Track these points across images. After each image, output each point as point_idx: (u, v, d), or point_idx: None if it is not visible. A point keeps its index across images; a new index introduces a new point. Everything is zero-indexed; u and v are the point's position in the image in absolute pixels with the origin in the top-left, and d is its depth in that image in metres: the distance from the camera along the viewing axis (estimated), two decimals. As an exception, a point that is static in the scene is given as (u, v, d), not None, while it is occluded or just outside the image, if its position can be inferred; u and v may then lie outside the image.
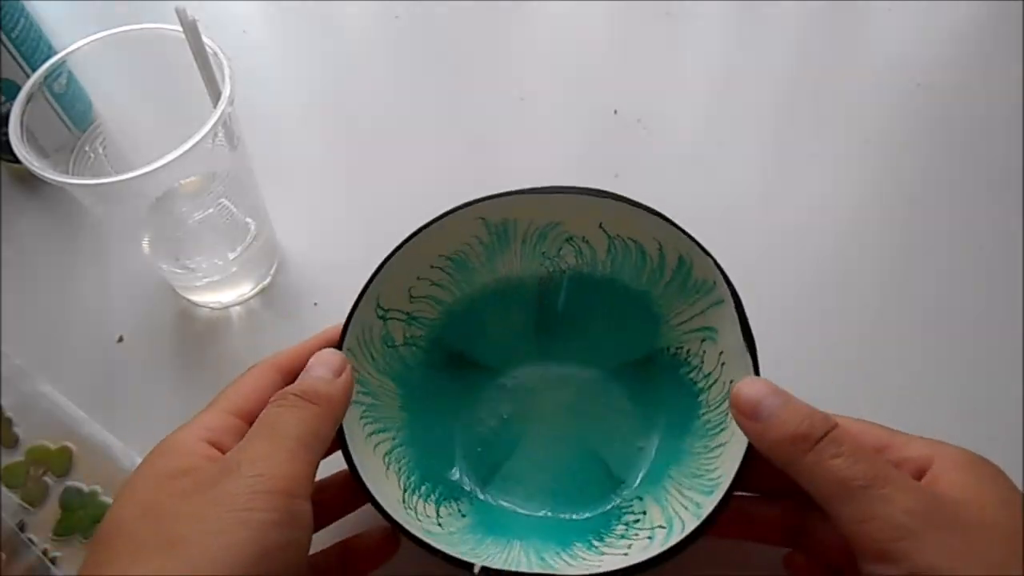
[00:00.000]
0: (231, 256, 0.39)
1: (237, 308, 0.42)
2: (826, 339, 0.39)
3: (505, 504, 0.33)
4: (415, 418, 0.34)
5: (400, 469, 0.32)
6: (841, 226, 0.43)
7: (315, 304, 0.42)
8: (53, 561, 0.34)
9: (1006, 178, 0.44)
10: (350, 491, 0.29)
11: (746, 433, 0.26)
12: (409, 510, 0.30)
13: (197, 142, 0.31)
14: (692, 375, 0.33)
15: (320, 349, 0.29)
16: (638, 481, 0.33)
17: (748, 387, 0.26)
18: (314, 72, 0.53)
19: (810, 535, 0.29)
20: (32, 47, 0.42)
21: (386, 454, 0.32)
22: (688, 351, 0.33)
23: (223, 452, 0.25)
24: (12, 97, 0.34)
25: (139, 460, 0.36)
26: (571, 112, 0.50)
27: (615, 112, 0.49)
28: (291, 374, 0.29)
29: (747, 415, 0.26)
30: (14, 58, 0.41)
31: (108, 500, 0.36)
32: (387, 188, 0.46)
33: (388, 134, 0.49)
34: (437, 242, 0.34)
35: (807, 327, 0.40)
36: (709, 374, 0.32)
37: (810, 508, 0.27)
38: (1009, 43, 0.51)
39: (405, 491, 0.31)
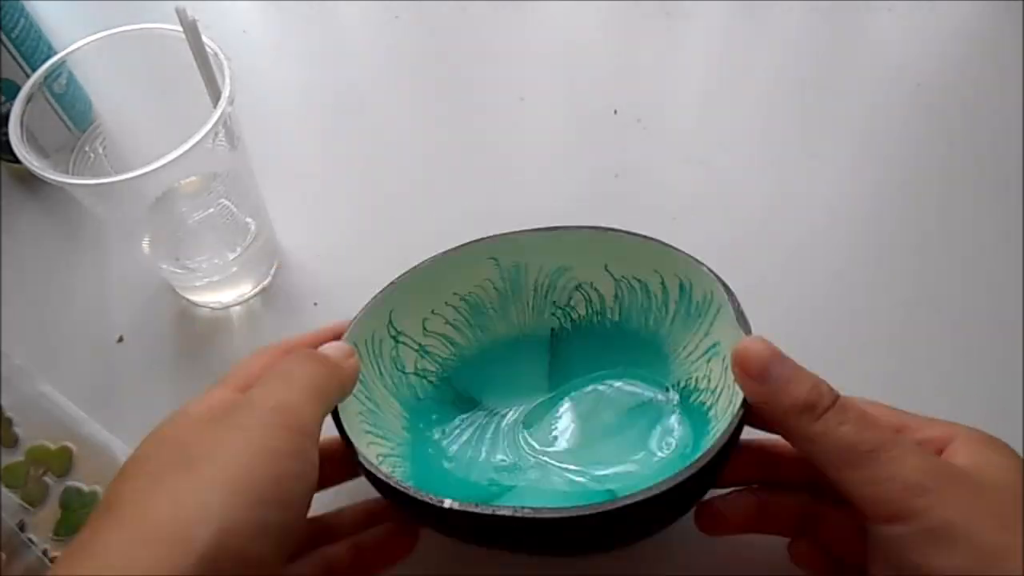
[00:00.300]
0: (231, 256, 0.39)
1: (237, 308, 0.42)
2: (824, 336, 0.39)
3: None
4: (418, 441, 0.34)
5: (392, 472, 0.31)
6: (841, 226, 0.43)
7: (315, 304, 0.42)
8: (53, 561, 0.34)
9: (1006, 178, 0.44)
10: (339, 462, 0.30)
11: (750, 395, 0.26)
12: None
13: (197, 142, 0.31)
14: (702, 398, 0.32)
15: (327, 340, 0.30)
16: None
17: (754, 347, 0.25)
18: (314, 72, 0.53)
19: (820, 524, 0.28)
20: (32, 47, 0.42)
21: (380, 455, 0.31)
22: (696, 379, 0.33)
23: None
24: (12, 97, 0.34)
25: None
26: (571, 112, 0.50)
27: (615, 112, 0.49)
28: None
29: (754, 377, 0.25)
30: (14, 58, 0.41)
31: (108, 500, 0.35)
32: (387, 188, 0.46)
33: (388, 135, 0.49)
34: (452, 278, 0.35)
35: (806, 325, 0.39)
36: (715, 388, 0.31)
37: (823, 498, 0.27)
38: (1009, 43, 0.51)
39: None
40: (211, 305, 0.42)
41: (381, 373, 0.34)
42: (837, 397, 0.24)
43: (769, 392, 0.25)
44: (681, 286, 0.33)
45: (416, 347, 0.35)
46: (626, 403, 0.35)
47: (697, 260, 0.32)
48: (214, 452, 0.22)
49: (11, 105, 0.33)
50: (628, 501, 0.24)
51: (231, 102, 0.33)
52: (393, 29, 0.55)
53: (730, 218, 0.44)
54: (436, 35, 0.54)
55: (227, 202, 0.38)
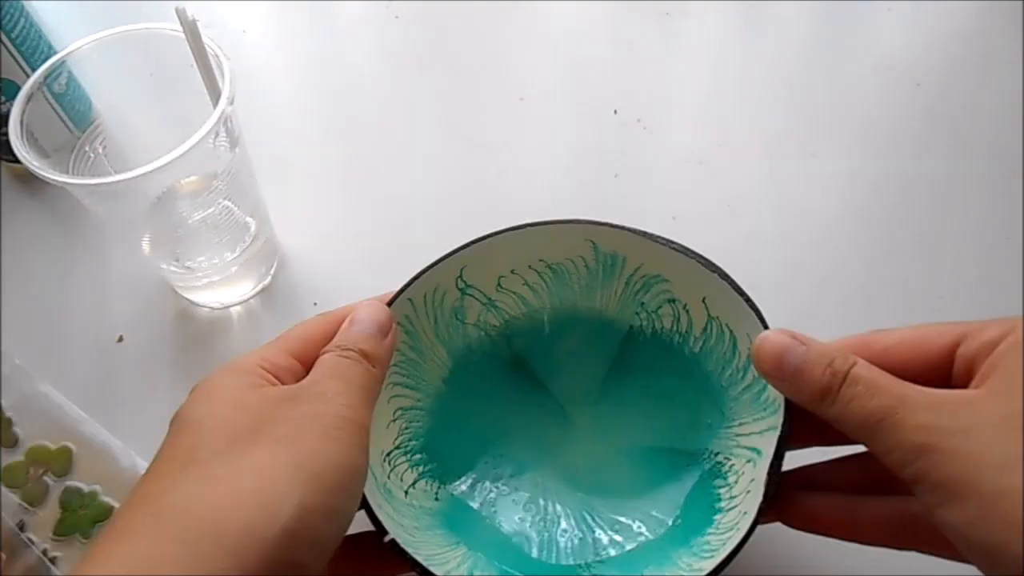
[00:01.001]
0: (231, 256, 0.39)
1: (237, 308, 0.42)
2: (824, 336, 0.39)
3: (479, 510, 0.33)
4: (451, 395, 0.35)
5: (406, 428, 0.33)
6: (840, 226, 0.43)
7: (315, 304, 0.42)
8: (53, 561, 0.34)
9: (1006, 178, 0.44)
10: None
11: (777, 389, 0.26)
12: (386, 464, 0.31)
13: (197, 142, 0.31)
14: (722, 491, 0.31)
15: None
16: (615, 558, 0.32)
17: (768, 341, 0.26)
18: (314, 72, 0.53)
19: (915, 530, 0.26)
20: (32, 47, 0.42)
21: (400, 409, 0.33)
22: (731, 466, 0.31)
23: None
24: (12, 97, 0.34)
25: (139, 460, 0.37)
26: (571, 112, 0.50)
27: (615, 112, 0.49)
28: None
29: (769, 373, 0.26)
30: (14, 58, 0.41)
31: (108, 500, 0.36)
32: (387, 188, 0.46)
33: (388, 134, 0.49)
34: (541, 246, 0.34)
35: (806, 326, 0.39)
36: (733, 498, 0.30)
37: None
38: (1009, 43, 0.51)
39: (396, 448, 0.32)
40: (211, 305, 0.42)
41: (436, 322, 0.34)
42: (849, 369, 0.24)
43: (789, 387, 0.25)
44: None
45: (484, 300, 0.35)
46: (655, 443, 0.34)
47: None
48: (292, 433, 0.23)
49: (11, 105, 0.33)
50: None
51: (231, 102, 0.33)
52: (393, 29, 0.55)
53: (730, 218, 0.44)
54: (436, 35, 0.54)
55: (227, 202, 0.38)
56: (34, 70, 0.36)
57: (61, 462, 0.36)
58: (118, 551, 0.20)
